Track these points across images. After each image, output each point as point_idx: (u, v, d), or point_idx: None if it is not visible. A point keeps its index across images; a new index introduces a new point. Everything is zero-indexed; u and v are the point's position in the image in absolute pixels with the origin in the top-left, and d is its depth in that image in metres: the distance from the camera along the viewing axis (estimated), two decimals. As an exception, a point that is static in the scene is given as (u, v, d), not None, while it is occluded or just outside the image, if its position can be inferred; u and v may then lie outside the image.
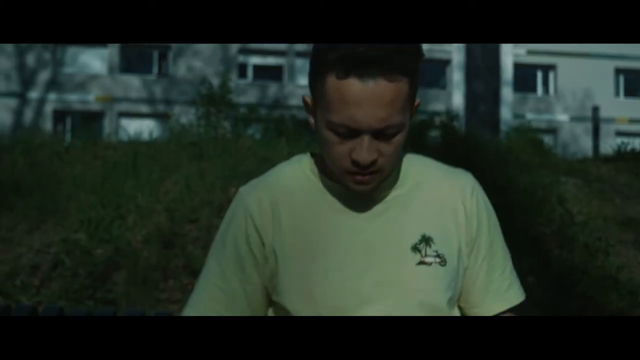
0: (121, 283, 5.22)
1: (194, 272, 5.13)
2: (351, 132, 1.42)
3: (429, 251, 1.49)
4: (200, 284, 1.57)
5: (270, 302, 1.55)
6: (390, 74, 1.39)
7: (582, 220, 6.22)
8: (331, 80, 1.41)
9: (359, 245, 1.49)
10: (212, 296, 1.55)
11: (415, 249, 1.49)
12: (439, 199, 1.55)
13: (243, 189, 1.59)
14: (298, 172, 1.58)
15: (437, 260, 1.49)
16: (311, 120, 1.52)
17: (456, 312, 1.57)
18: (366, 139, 1.42)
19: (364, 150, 1.42)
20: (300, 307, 1.48)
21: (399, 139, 1.44)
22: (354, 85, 1.39)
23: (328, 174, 1.54)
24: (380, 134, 1.42)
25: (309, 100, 1.52)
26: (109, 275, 5.27)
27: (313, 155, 1.60)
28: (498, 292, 1.58)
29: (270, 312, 1.57)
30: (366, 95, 1.39)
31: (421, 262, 1.48)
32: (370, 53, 1.38)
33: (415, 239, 1.50)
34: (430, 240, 1.50)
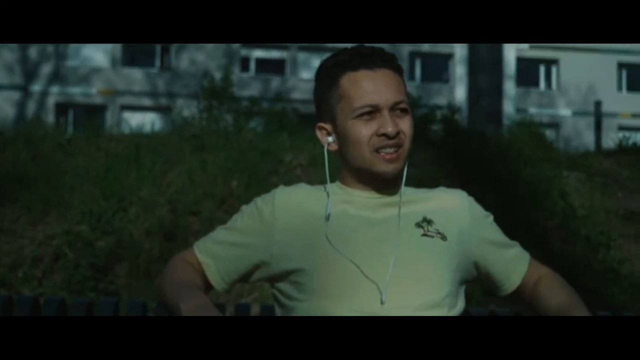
0: (123, 275, 5.24)
1: (196, 265, 5.14)
2: (373, 110, 1.74)
3: (430, 228, 1.77)
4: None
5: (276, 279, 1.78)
6: (390, 65, 1.78)
7: (584, 214, 6.22)
8: (346, 78, 1.76)
9: (374, 238, 1.74)
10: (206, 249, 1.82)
11: (418, 225, 1.77)
12: (439, 203, 1.83)
13: (280, 186, 1.84)
14: (326, 188, 1.82)
15: (439, 235, 1.76)
16: (330, 139, 1.80)
17: (460, 293, 1.78)
18: (386, 113, 1.74)
19: (388, 121, 1.73)
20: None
21: (409, 118, 1.78)
22: (367, 74, 1.76)
23: (351, 184, 1.81)
24: (396, 109, 1.75)
25: (324, 125, 1.81)
26: (111, 267, 5.28)
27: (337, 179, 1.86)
28: (517, 262, 1.89)
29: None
30: (378, 79, 1.75)
31: (424, 235, 1.76)
32: (371, 50, 1.76)
33: (418, 219, 1.78)
34: (431, 221, 1.78)
